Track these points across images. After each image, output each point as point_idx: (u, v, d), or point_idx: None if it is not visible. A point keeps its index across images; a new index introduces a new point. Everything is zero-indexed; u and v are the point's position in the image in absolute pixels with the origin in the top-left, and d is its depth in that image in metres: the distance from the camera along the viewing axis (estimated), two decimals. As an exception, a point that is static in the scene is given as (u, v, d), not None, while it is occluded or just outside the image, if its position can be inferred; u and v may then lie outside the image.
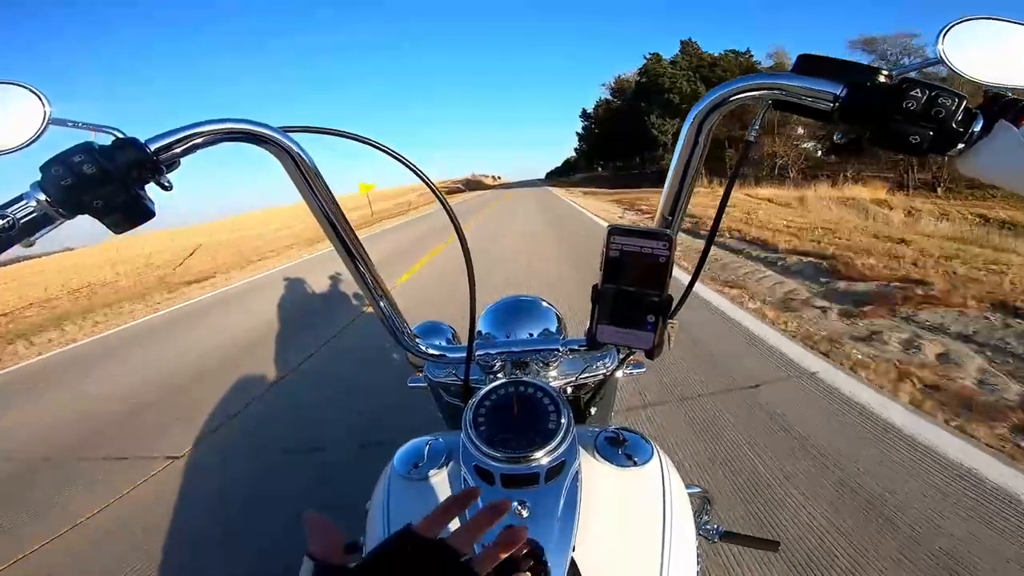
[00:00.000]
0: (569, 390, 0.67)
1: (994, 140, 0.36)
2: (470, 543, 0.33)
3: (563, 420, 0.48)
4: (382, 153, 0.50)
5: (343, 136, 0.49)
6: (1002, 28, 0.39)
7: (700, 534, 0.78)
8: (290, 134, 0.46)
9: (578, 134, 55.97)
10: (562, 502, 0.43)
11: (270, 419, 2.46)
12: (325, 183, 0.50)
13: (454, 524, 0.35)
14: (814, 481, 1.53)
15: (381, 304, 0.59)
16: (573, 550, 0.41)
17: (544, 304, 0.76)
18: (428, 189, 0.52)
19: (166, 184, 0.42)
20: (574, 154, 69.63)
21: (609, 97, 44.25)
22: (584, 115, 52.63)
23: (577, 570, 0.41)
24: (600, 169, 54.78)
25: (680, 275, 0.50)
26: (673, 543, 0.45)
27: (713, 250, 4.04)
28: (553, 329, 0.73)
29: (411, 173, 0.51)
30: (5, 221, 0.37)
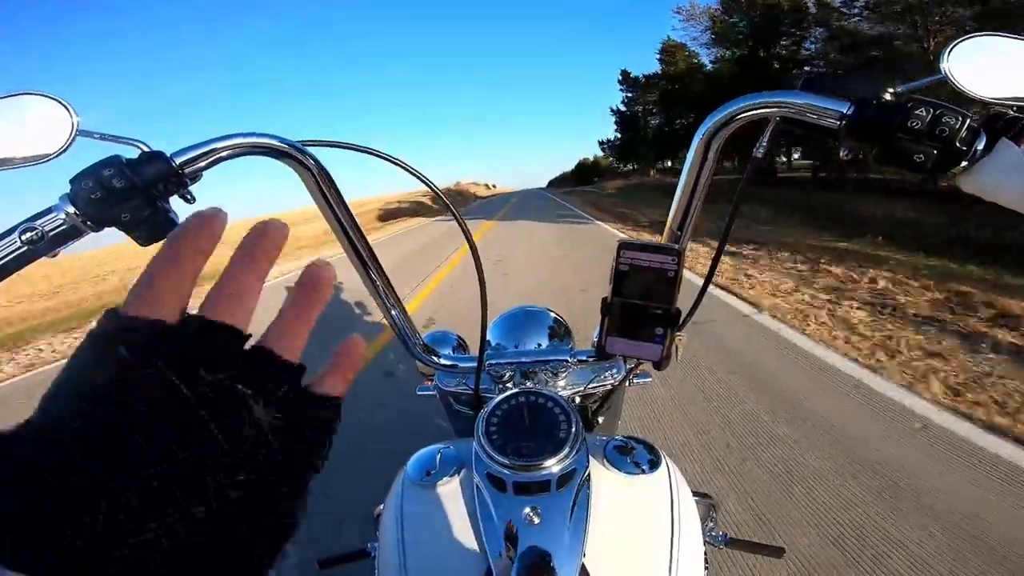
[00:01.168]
0: (577, 399, 0.68)
1: (996, 158, 0.36)
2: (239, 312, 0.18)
3: (573, 429, 0.48)
4: (398, 168, 0.51)
5: (362, 151, 0.50)
6: (1008, 44, 0.39)
7: (706, 541, 0.78)
8: (309, 148, 0.48)
9: (614, 112, 33.16)
10: (573, 509, 0.44)
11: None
12: (341, 195, 0.51)
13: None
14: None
15: (393, 313, 0.60)
16: (583, 556, 0.42)
17: (552, 314, 0.77)
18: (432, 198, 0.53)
19: (189, 197, 0.43)
20: (601, 151, 46.02)
21: (724, 16, 18.91)
22: (627, 82, 30.16)
23: (587, 575, 0.42)
24: (653, 172, 32.63)
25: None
26: (681, 550, 0.45)
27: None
28: (561, 339, 0.73)
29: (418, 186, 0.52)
30: (34, 233, 0.38)
